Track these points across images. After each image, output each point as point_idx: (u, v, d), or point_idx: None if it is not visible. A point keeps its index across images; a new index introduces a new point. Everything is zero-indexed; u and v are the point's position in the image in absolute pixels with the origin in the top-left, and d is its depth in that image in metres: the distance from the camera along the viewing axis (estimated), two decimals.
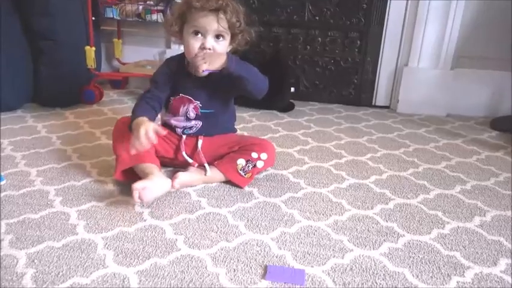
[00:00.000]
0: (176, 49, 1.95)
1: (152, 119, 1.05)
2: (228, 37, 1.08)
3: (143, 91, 1.15)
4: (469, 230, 0.96)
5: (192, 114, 1.15)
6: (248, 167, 1.12)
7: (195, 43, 1.05)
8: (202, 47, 1.05)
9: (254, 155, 1.13)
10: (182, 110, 1.15)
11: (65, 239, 0.86)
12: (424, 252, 0.87)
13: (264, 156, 1.13)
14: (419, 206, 1.06)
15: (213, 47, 1.05)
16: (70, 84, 1.75)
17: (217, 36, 1.06)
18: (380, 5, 1.83)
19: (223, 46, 1.08)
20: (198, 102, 1.14)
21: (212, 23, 1.03)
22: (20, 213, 0.95)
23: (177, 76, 1.13)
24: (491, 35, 1.78)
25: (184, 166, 1.14)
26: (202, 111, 1.15)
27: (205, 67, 1.02)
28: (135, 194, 0.94)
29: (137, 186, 0.94)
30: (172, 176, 1.07)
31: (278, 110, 1.82)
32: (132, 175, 1.07)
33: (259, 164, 1.13)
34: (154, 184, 0.98)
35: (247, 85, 1.08)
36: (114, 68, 2.14)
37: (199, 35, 1.05)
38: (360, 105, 1.95)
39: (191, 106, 1.14)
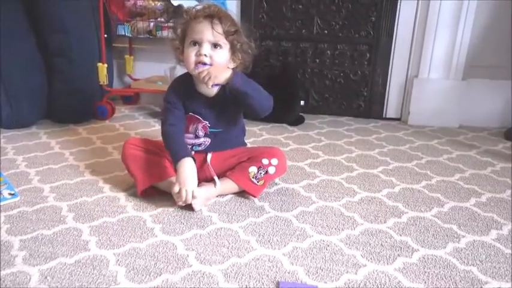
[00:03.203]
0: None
1: (188, 150, 1.10)
2: (225, 47, 1.07)
3: (161, 114, 1.14)
4: (485, 243, 0.94)
5: (201, 133, 1.16)
6: (260, 173, 1.12)
7: (192, 52, 1.06)
8: (198, 54, 1.05)
9: (265, 161, 1.13)
10: (191, 128, 1.16)
11: (77, 255, 0.87)
12: (439, 267, 0.85)
13: (274, 161, 1.13)
14: (433, 220, 1.04)
15: (210, 54, 1.05)
16: (83, 100, 1.79)
17: (215, 46, 1.06)
18: (389, 17, 1.83)
19: (221, 55, 1.06)
20: (207, 122, 1.14)
21: (206, 30, 1.04)
22: (33, 229, 0.96)
23: (186, 95, 1.14)
24: (502, 44, 1.77)
25: None
26: (211, 130, 1.16)
27: (211, 82, 1.03)
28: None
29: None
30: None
31: (288, 124, 1.82)
32: (152, 189, 1.12)
33: (271, 170, 1.13)
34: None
35: (252, 102, 1.08)
36: (126, 83, 2.17)
37: (196, 45, 1.06)
38: (370, 118, 1.94)
39: (200, 125, 1.15)
